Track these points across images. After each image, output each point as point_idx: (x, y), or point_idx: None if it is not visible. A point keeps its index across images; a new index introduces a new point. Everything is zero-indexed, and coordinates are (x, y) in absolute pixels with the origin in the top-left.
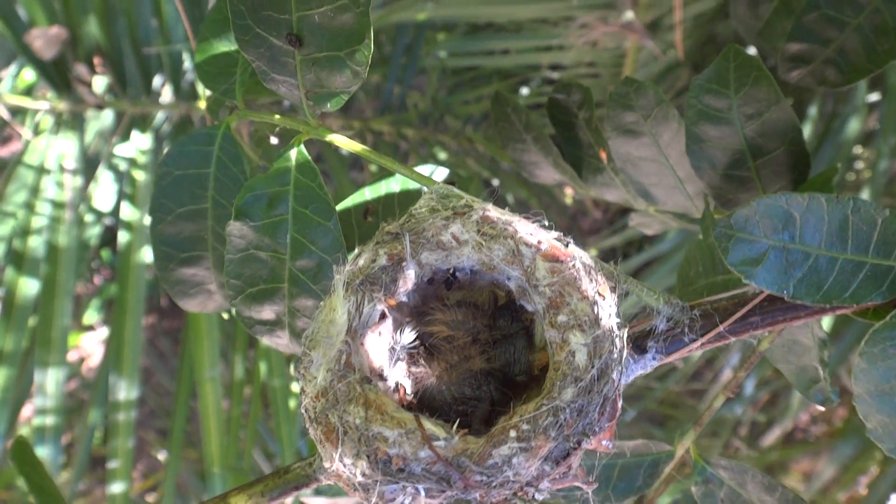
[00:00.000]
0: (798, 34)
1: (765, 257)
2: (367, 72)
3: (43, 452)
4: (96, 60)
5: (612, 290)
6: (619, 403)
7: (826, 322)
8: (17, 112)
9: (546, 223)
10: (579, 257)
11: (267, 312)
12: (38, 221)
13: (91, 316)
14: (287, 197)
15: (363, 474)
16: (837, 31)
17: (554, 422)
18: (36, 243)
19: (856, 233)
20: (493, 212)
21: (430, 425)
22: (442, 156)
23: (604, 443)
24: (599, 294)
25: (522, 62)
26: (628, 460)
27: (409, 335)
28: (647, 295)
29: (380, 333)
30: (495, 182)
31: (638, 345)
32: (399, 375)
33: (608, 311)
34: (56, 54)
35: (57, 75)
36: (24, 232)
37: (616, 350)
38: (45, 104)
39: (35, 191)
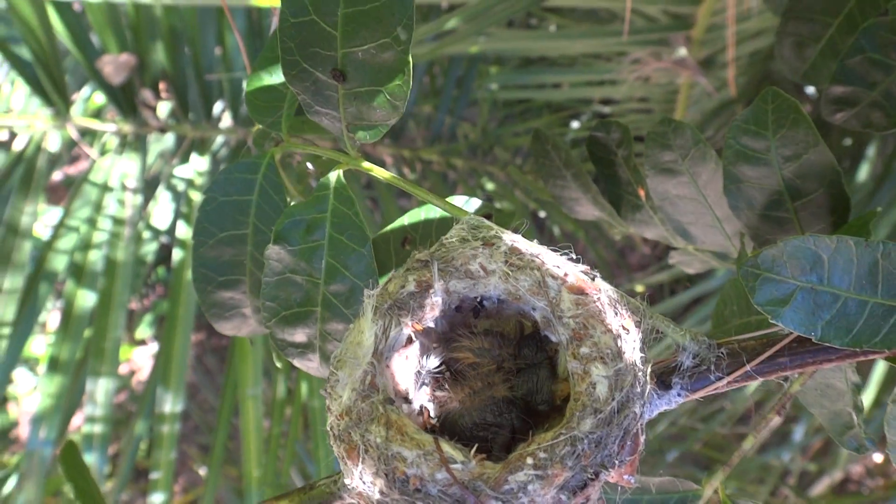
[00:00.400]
0: (842, 77)
1: (792, 298)
2: (405, 106)
3: (89, 460)
4: (161, 86)
5: (638, 324)
6: (642, 438)
7: (882, 364)
8: (87, 133)
9: (573, 256)
10: (605, 291)
11: (299, 335)
12: (98, 237)
13: (143, 331)
14: (324, 223)
15: (381, 492)
16: (883, 74)
17: (571, 451)
18: (95, 257)
19: (886, 277)
20: (522, 243)
21: (448, 448)
22: (489, 186)
23: (625, 477)
24: (623, 328)
25: (574, 96)
26: (653, 497)
27: (434, 360)
28: (674, 331)
29: (406, 357)
30: (542, 214)
31: (662, 380)
32: (423, 399)
33: (632, 345)
34: (124, 80)
35: (124, 99)
36: (86, 246)
37: (638, 384)
38: (112, 126)
39: (98, 207)
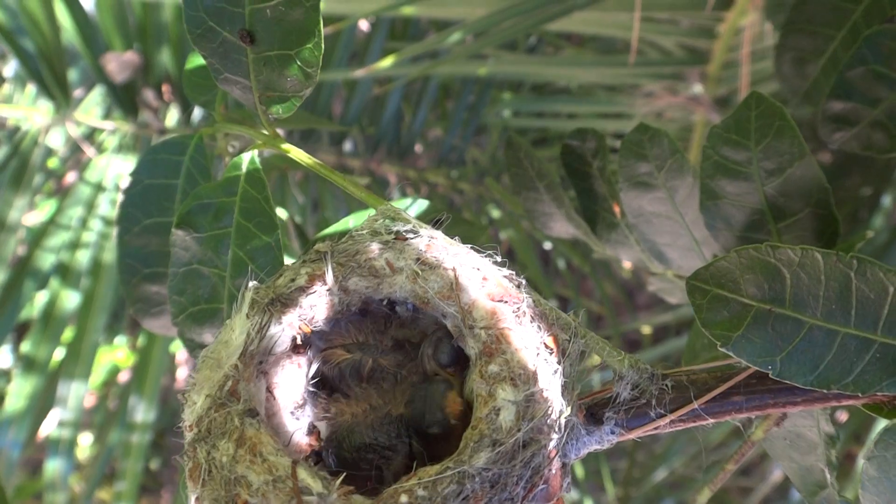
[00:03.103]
0: (842, 91)
1: (746, 322)
2: (318, 74)
3: (55, 464)
4: (164, 88)
5: (566, 343)
6: (564, 482)
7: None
8: (95, 132)
9: (499, 259)
10: (529, 300)
11: (208, 336)
12: (88, 237)
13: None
14: (233, 208)
15: None
16: (888, 89)
17: (457, 491)
18: (83, 257)
19: (861, 301)
20: (441, 240)
21: (306, 476)
22: (495, 214)
23: None
24: (546, 346)
25: (587, 128)
26: None
27: (314, 368)
28: (609, 355)
29: (299, 365)
30: (547, 246)
31: (593, 413)
32: (316, 415)
33: (552, 367)
34: (127, 78)
35: (126, 98)
36: (74, 246)
37: (554, 414)
38: (111, 124)
39: (90, 207)
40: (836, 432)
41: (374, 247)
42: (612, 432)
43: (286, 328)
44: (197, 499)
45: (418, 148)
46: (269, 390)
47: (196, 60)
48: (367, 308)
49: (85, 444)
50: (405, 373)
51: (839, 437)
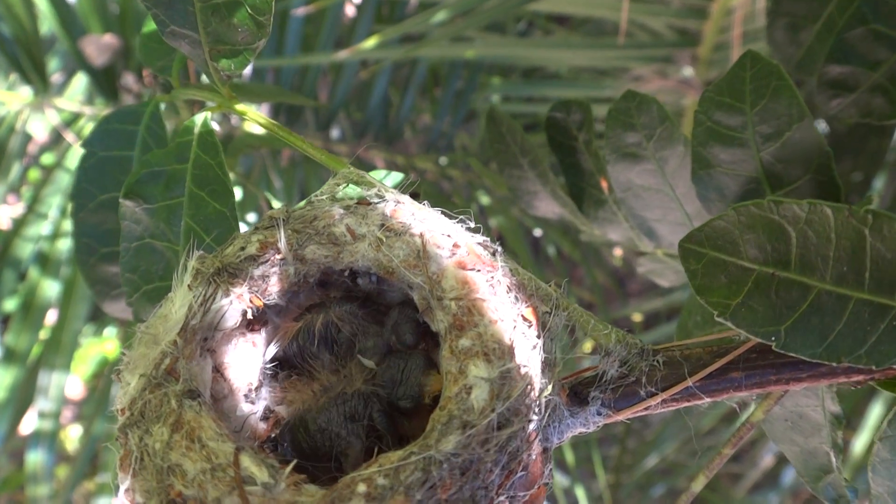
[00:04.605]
0: (839, 54)
1: (745, 288)
2: (270, 24)
3: (37, 457)
4: (145, 72)
5: (547, 315)
6: (546, 468)
7: (882, 395)
8: (77, 117)
9: (472, 224)
10: (505, 270)
11: None
12: (68, 225)
13: None
14: (185, 176)
15: None
16: (888, 50)
17: (422, 479)
18: (63, 246)
19: (876, 262)
20: (408, 205)
21: (250, 464)
22: (485, 200)
23: None
24: (524, 318)
25: (571, 99)
26: None
27: (272, 348)
28: (595, 328)
29: (254, 343)
30: (538, 233)
31: (577, 393)
32: (271, 399)
33: (531, 342)
34: (107, 62)
35: (106, 83)
36: (55, 234)
37: (534, 393)
38: (90, 110)
39: (69, 194)
40: (842, 412)
41: (335, 212)
42: (599, 413)
43: (235, 301)
44: (126, 490)
45: (407, 134)
46: (217, 370)
47: (153, 24)
48: (327, 280)
49: (75, 436)
50: (361, 338)
51: (844, 418)
